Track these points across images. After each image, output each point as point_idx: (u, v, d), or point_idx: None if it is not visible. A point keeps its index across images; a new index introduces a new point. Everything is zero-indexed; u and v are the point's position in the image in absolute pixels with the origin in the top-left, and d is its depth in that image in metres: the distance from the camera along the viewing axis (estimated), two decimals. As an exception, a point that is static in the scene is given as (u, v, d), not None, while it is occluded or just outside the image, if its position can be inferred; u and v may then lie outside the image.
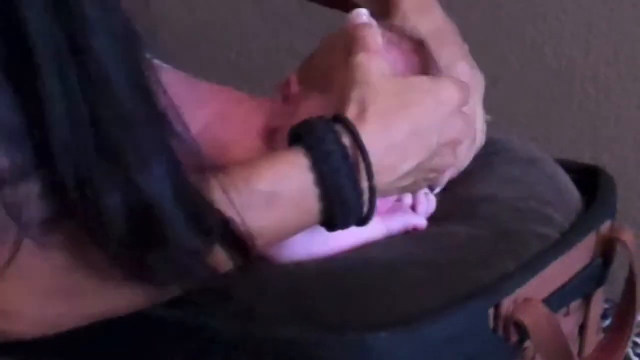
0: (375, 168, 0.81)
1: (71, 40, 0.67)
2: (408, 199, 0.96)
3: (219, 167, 0.79)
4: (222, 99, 0.97)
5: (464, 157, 0.97)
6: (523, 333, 0.86)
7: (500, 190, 0.99)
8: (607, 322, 1.06)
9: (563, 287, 0.91)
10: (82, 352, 0.83)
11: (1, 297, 0.75)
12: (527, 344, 0.88)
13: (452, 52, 0.96)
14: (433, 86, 0.87)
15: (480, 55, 1.03)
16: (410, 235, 0.94)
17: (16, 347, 0.79)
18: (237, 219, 0.76)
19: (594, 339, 0.99)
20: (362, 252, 0.90)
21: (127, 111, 0.70)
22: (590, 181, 1.03)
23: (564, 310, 0.93)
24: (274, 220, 0.81)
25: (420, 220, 0.95)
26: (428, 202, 0.97)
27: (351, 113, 0.83)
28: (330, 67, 0.89)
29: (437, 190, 0.99)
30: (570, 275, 0.92)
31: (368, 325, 0.81)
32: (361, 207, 0.82)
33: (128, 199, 0.71)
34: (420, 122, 0.85)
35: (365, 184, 0.81)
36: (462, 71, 0.94)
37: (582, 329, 0.98)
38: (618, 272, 0.99)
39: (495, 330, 0.85)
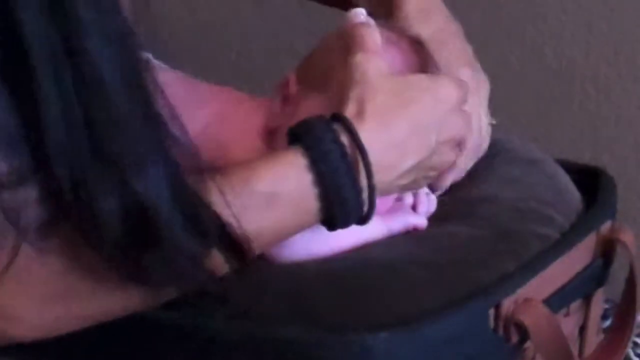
0: (374, 166, 0.81)
1: (66, 42, 0.67)
2: (409, 199, 0.96)
3: (217, 169, 0.79)
4: (222, 99, 0.97)
5: (469, 160, 0.98)
6: (523, 333, 0.86)
7: (501, 190, 0.99)
8: (607, 323, 1.06)
9: (563, 287, 0.91)
10: (81, 353, 0.82)
11: (0, 301, 0.75)
12: (527, 344, 0.88)
13: (453, 56, 0.96)
14: (431, 84, 0.87)
15: (480, 55, 1.03)
16: (410, 235, 0.94)
17: (14, 349, 0.79)
18: (233, 222, 0.76)
19: (594, 339, 0.99)
20: (362, 252, 0.90)
21: (122, 114, 0.70)
22: (591, 181, 1.03)
23: (564, 311, 0.93)
24: (274, 221, 0.81)
25: (420, 220, 0.95)
26: (429, 202, 0.97)
27: (349, 112, 0.83)
28: (328, 67, 0.89)
29: (439, 192, 0.99)
30: (571, 276, 0.92)
31: (368, 325, 0.81)
32: (361, 206, 0.82)
33: (123, 201, 0.70)
34: (419, 120, 0.85)
35: (364, 183, 0.81)
36: (464, 76, 0.94)
37: (582, 329, 0.98)
38: (618, 273, 0.99)
39: (495, 330, 0.85)
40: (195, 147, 0.75)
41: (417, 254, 0.90)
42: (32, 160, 0.69)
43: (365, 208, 0.82)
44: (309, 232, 0.85)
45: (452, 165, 0.96)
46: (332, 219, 0.82)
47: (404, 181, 0.85)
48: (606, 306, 1.05)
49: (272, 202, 0.80)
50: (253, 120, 0.93)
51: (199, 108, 0.94)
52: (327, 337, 0.81)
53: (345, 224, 0.83)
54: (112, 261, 0.74)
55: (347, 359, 0.80)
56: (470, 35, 1.03)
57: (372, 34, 0.88)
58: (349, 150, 0.81)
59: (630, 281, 0.97)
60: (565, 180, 1.03)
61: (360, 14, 0.91)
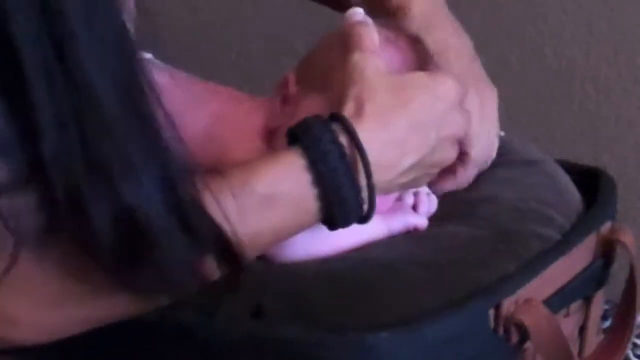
0: (374, 165, 0.81)
1: (58, 51, 0.67)
2: (409, 199, 0.96)
3: (216, 170, 0.79)
4: (222, 98, 0.97)
5: (471, 172, 0.99)
6: (523, 334, 0.86)
7: (501, 190, 0.99)
8: (607, 323, 1.06)
9: (563, 287, 0.91)
10: (81, 353, 0.82)
11: (2, 307, 0.75)
12: (527, 344, 0.88)
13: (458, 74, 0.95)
14: (430, 82, 0.87)
15: (481, 55, 1.03)
16: (410, 235, 0.94)
17: (14, 348, 0.79)
18: (227, 228, 0.76)
19: (593, 339, 0.99)
20: (362, 252, 0.90)
21: (114, 122, 0.69)
22: (591, 182, 1.03)
23: (564, 311, 0.93)
24: (274, 221, 0.81)
25: (421, 220, 0.95)
26: (429, 202, 0.97)
27: (348, 111, 0.83)
28: (327, 66, 0.89)
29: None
30: (571, 276, 0.92)
31: (368, 325, 0.81)
32: (360, 205, 0.82)
33: (115, 209, 0.70)
34: (418, 118, 0.85)
35: (363, 182, 0.81)
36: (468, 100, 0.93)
37: (582, 329, 0.98)
38: (618, 273, 0.99)
39: (495, 330, 0.85)
40: (191, 154, 0.75)
41: (418, 254, 0.90)
42: (28, 167, 0.69)
43: (366, 207, 0.82)
44: (309, 232, 0.85)
45: (453, 171, 0.97)
46: (332, 219, 0.82)
47: (404, 179, 0.85)
48: (606, 307, 1.06)
49: (271, 203, 0.80)
50: (253, 120, 0.93)
51: (199, 108, 0.94)
52: (327, 337, 0.81)
53: (345, 224, 0.83)
54: (106, 268, 0.74)
55: (347, 359, 0.80)
56: (470, 35, 1.03)
57: (370, 33, 0.88)
58: (347, 150, 0.81)
59: (630, 282, 0.97)
60: (566, 181, 1.03)
61: (358, 13, 0.91)
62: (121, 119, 0.70)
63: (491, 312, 0.85)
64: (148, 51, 0.96)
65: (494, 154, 1.01)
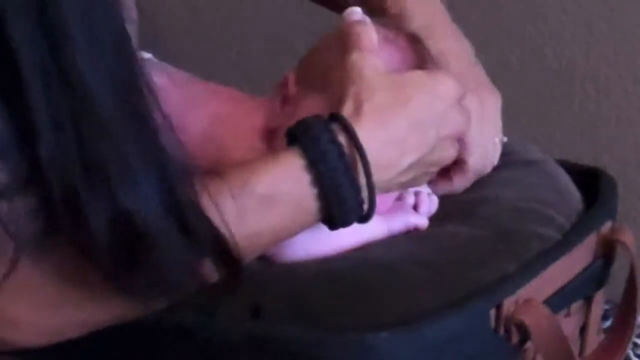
0: (373, 165, 0.81)
1: (55, 55, 0.67)
2: (410, 199, 0.96)
3: (214, 172, 0.79)
4: (222, 98, 0.97)
5: (469, 180, 0.99)
6: (524, 333, 0.86)
7: (501, 190, 0.99)
8: (608, 323, 1.06)
9: (563, 287, 0.91)
10: (81, 353, 0.82)
11: (2, 309, 0.75)
12: (528, 344, 0.88)
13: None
14: (429, 80, 0.86)
15: (480, 55, 1.03)
16: (411, 234, 0.94)
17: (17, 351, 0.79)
18: (225, 231, 0.76)
19: (594, 339, 0.99)
20: (362, 252, 0.90)
21: (111, 123, 0.69)
22: (591, 182, 1.03)
23: (564, 311, 0.93)
24: (274, 221, 0.81)
25: (421, 220, 0.95)
26: (430, 202, 0.97)
27: (347, 111, 0.83)
28: (326, 66, 0.89)
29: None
30: (571, 276, 0.92)
31: (368, 325, 0.81)
32: (360, 205, 0.82)
33: (113, 213, 0.70)
34: (417, 117, 0.84)
35: (363, 181, 0.81)
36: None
37: (583, 329, 0.98)
38: (618, 273, 0.99)
39: (496, 330, 0.85)
40: (189, 155, 0.75)
41: (418, 254, 0.90)
42: (26, 169, 0.69)
43: (366, 207, 0.82)
44: (309, 232, 0.85)
45: (450, 177, 0.97)
46: (332, 219, 0.82)
47: (404, 178, 0.85)
48: (606, 307, 1.06)
49: (271, 203, 0.80)
50: (253, 121, 0.93)
51: (199, 108, 0.94)
52: (327, 337, 0.81)
53: (345, 223, 0.83)
54: (104, 270, 0.74)
55: (347, 359, 0.80)
56: (470, 35, 1.02)
57: (368, 32, 0.88)
58: (346, 149, 0.81)
59: (630, 281, 0.97)
60: (566, 181, 1.03)
61: (356, 12, 0.91)
62: (118, 120, 0.70)
63: (492, 312, 0.85)
64: (148, 51, 0.96)
65: (495, 160, 1.01)
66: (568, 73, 1.62)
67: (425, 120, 0.85)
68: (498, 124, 1.00)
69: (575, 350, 0.95)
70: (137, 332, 0.82)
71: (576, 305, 0.95)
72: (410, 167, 0.85)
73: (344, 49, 0.87)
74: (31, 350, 0.79)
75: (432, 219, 0.96)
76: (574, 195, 1.01)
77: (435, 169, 0.89)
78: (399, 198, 0.96)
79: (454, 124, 0.87)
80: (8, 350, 0.78)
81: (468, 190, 1.00)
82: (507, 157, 1.03)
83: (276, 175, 0.80)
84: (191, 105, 0.94)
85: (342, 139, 0.81)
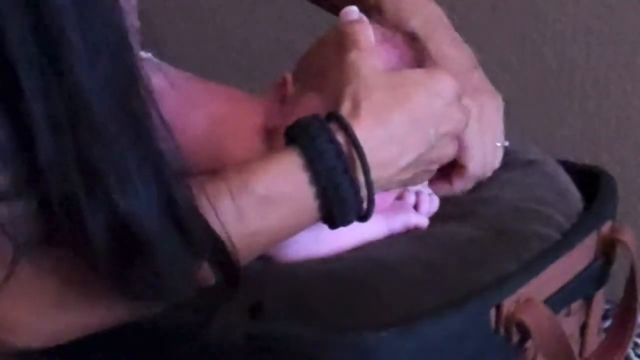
0: (372, 163, 0.81)
1: (53, 61, 0.67)
2: (411, 198, 0.96)
3: (213, 172, 0.79)
4: (222, 99, 0.97)
5: (467, 185, 0.99)
6: (524, 333, 0.86)
7: (501, 190, 0.99)
8: (608, 323, 1.06)
9: (564, 287, 0.91)
10: (81, 353, 0.82)
11: (2, 312, 0.76)
12: (528, 344, 0.88)
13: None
14: (427, 78, 0.86)
15: (480, 55, 1.03)
16: (411, 234, 0.94)
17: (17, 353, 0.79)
18: (223, 234, 0.76)
19: (594, 339, 0.99)
20: (362, 251, 0.90)
21: (109, 128, 0.69)
22: (591, 182, 1.03)
23: (565, 311, 0.93)
24: (274, 221, 0.81)
25: (422, 220, 0.95)
26: (431, 202, 0.97)
27: (345, 110, 0.83)
28: (324, 66, 0.89)
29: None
30: (571, 276, 0.92)
31: (368, 325, 0.81)
32: (360, 203, 0.82)
33: (111, 218, 0.70)
34: (416, 115, 0.84)
35: (362, 180, 0.81)
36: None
37: (583, 329, 0.98)
38: (618, 273, 0.99)
39: (496, 330, 0.85)
40: (187, 158, 0.75)
41: (418, 254, 0.90)
42: (25, 173, 0.69)
43: (365, 205, 0.82)
44: (310, 232, 0.85)
45: (450, 181, 0.97)
46: (331, 217, 0.82)
47: (404, 176, 0.85)
48: (607, 306, 1.06)
49: (270, 203, 0.80)
50: (253, 121, 0.93)
51: (199, 108, 0.94)
52: (327, 337, 0.81)
53: (345, 222, 0.83)
54: (102, 274, 0.74)
55: (347, 359, 0.80)
56: (470, 35, 1.02)
57: (366, 31, 0.88)
58: (344, 148, 0.81)
59: (630, 281, 0.97)
60: (566, 181, 1.03)
61: (353, 12, 0.91)
62: (116, 125, 0.70)
63: (492, 311, 0.85)
64: (148, 51, 0.96)
65: (496, 164, 1.01)
66: (568, 73, 1.62)
67: (424, 118, 0.85)
68: (499, 128, 1.00)
69: (576, 349, 0.95)
70: (137, 333, 0.82)
71: (576, 305, 0.95)
72: (410, 165, 0.85)
73: (341, 49, 0.87)
74: (32, 351, 0.79)
75: (433, 218, 0.96)
76: (574, 195, 1.01)
77: (435, 167, 0.89)
78: (400, 197, 0.96)
79: (453, 122, 0.87)
80: (8, 352, 0.78)
81: (468, 190, 1.00)
82: (507, 157, 1.03)
83: (275, 175, 0.81)
84: (191, 105, 0.94)
85: (340, 138, 0.81)
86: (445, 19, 1.02)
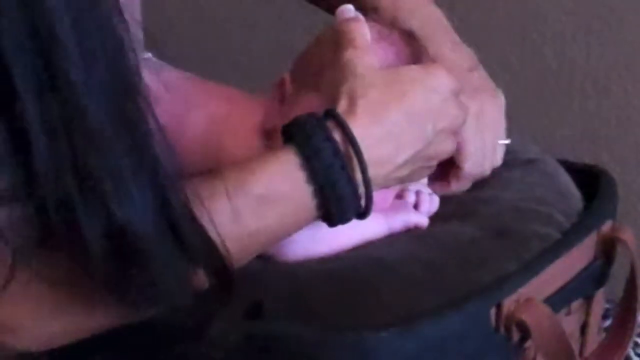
0: (369, 160, 0.81)
1: (49, 68, 0.67)
2: (411, 198, 0.96)
3: (211, 173, 0.79)
4: (222, 98, 0.97)
5: (464, 184, 0.99)
6: (524, 332, 0.86)
7: (501, 190, 0.99)
8: (608, 322, 1.06)
9: (564, 286, 0.91)
10: (81, 353, 0.82)
11: (2, 315, 0.76)
12: (529, 343, 0.88)
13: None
14: (424, 74, 0.86)
15: (481, 55, 1.03)
16: (411, 234, 0.94)
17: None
18: (217, 240, 0.76)
19: (595, 338, 0.99)
20: (362, 251, 0.90)
21: (105, 140, 0.69)
22: (591, 181, 1.03)
23: (565, 310, 0.93)
24: (272, 220, 0.81)
25: (422, 219, 0.95)
26: (431, 202, 0.97)
27: (341, 108, 0.83)
28: (320, 65, 0.89)
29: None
30: (571, 275, 0.92)
31: (368, 325, 0.81)
32: (358, 201, 0.82)
33: (106, 225, 0.70)
34: (413, 112, 0.84)
35: (359, 177, 0.81)
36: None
37: (583, 328, 0.98)
38: (619, 272, 0.99)
39: (496, 329, 0.85)
40: (183, 165, 0.75)
41: (418, 254, 0.90)
42: (22, 179, 0.69)
43: (363, 202, 0.82)
44: (310, 231, 0.85)
45: (447, 181, 0.97)
46: (330, 215, 0.82)
47: (402, 173, 0.85)
48: (607, 306, 1.06)
49: (268, 203, 0.80)
50: (253, 120, 0.93)
51: (199, 108, 0.94)
52: (327, 337, 0.81)
53: (344, 220, 0.83)
54: (98, 279, 0.74)
55: (347, 359, 0.80)
56: (470, 35, 1.02)
57: (361, 29, 0.88)
58: (341, 146, 0.81)
59: (630, 281, 0.97)
60: (566, 180, 1.03)
61: (349, 10, 0.91)
62: (111, 131, 0.69)
63: (492, 311, 0.85)
64: (148, 51, 0.96)
65: (498, 162, 1.01)
66: (568, 73, 1.62)
67: (421, 114, 0.85)
68: (500, 126, 1.00)
69: (576, 349, 0.95)
70: (137, 333, 0.82)
71: (576, 304, 0.95)
72: (407, 161, 0.85)
73: (337, 47, 0.87)
74: (32, 353, 0.79)
75: (433, 218, 0.96)
76: (574, 194, 1.01)
77: (433, 163, 0.89)
78: (400, 197, 0.96)
79: (450, 117, 0.87)
80: (9, 353, 0.79)
81: (468, 189, 1.00)
82: (508, 156, 1.03)
83: (272, 173, 0.81)
84: (191, 105, 0.94)
85: (336, 135, 0.81)
86: (444, 21, 1.02)
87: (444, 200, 0.98)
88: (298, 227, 0.83)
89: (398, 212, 0.94)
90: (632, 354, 1.13)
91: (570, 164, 1.06)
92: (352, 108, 0.82)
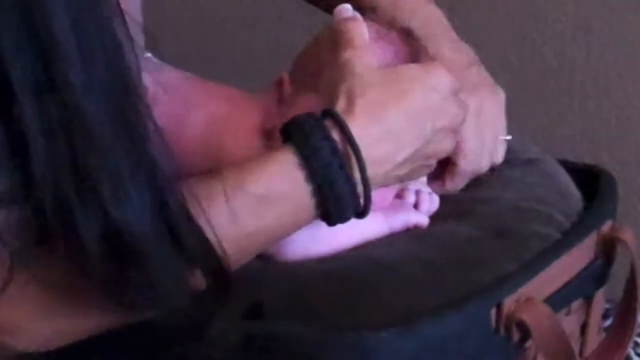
0: (368, 159, 0.81)
1: (47, 71, 0.67)
2: (411, 197, 0.96)
3: (209, 174, 0.79)
4: (221, 98, 0.97)
5: (461, 181, 0.99)
6: (525, 332, 0.86)
7: (501, 190, 0.99)
8: (608, 322, 1.06)
9: (564, 286, 0.91)
10: (80, 352, 0.82)
11: (1, 316, 0.76)
12: (529, 343, 0.88)
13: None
14: (422, 73, 0.86)
15: (481, 55, 1.03)
16: (411, 233, 0.94)
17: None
18: (214, 241, 0.76)
19: (595, 338, 0.99)
20: (362, 251, 0.90)
21: (102, 135, 0.69)
22: (591, 181, 1.03)
23: (565, 310, 0.93)
24: (271, 220, 0.81)
25: (422, 218, 0.95)
26: (431, 201, 0.97)
27: (340, 107, 0.83)
28: (319, 65, 0.89)
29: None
30: (571, 275, 0.92)
31: (368, 325, 0.81)
32: (357, 200, 0.82)
33: (104, 227, 0.70)
34: (411, 110, 0.84)
35: (357, 176, 0.81)
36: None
37: (584, 328, 0.97)
38: (619, 272, 0.99)
39: (496, 329, 0.85)
40: (181, 166, 0.75)
41: (418, 254, 0.90)
42: (20, 180, 0.69)
43: (362, 201, 0.82)
44: (309, 231, 0.85)
45: (442, 179, 0.97)
46: (329, 215, 0.82)
47: (400, 172, 0.85)
48: (607, 305, 1.06)
49: (267, 202, 0.80)
50: (253, 120, 0.94)
51: (199, 108, 0.94)
52: (327, 337, 0.81)
53: (342, 219, 0.83)
54: (96, 281, 0.74)
55: (347, 358, 0.80)
56: (470, 35, 1.02)
57: (360, 29, 0.88)
58: (340, 145, 0.81)
59: (630, 280, 0.97)
60: (566, 180, 1.03)
61: (347, 9, 0.91)
62: (110, 133, 0.70)
63: (492, 311, 0.85)
64: (148, 51, 0.96)
65: (499, 158, 1.01)
66: (568, 73, 1.62)
67: (420, 113, 0.85)
68: (501, 123, 1.00)
69: (576, 349, 0.95)
70: (137, 333, 0.82)
71: (577, 304, 0.95)
72: (406, 160, 0.85)
73: (335, 47, 0.87)
74: (31, 354, 0.79)
75: (433, 217, 0.96)
76: (574, 194, 1.01)
77: (432, 161, 0.89)
78: (400, 196, 0.96)
79: (449, 116, 0.87)
80: (8, 354, 0.79)
81: (468, 189, 1.00)
82: (508, 156, 1.03)
83: (271, 173, 0.81)
84: (191, 105, 0.94)
85: (335, 135, 0.81)
86: (444, 20, 1.02)
87: (444, 200, 0.98)
88: (297, 226, 0.83)
89: (398, 211, 0.94)
90: (632, 353, 1.13)
91: (571, 164, 1.06)
92: (350, 107, 0.83)
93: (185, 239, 0.74)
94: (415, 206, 0.96)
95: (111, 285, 0.74)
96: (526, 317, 0.85)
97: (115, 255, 0.72)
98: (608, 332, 1.00)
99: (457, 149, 0.95)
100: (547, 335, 0.86)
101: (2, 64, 0.66)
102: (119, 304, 0.76)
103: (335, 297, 0.84)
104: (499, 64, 1.61)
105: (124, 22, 0.71)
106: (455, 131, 0.89)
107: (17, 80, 0.66)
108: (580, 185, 1.03)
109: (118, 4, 0.71)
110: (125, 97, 0.71)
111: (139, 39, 0.83)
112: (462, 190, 1.00)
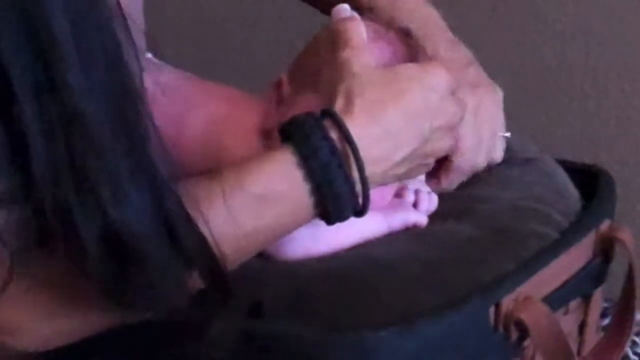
0: (366, 159, 0.81)
1: (47, 72, 0.67)
2: (410, 197, 0.97)
3: (209, 174, 0.79)
4: (221, 98, 0.97)
5: (458, 178, 0.99)
6: (523, 331, 0.86)
7: (500, 189, 0.99)
8: (606, 321, 1.06)
9: (562, 285, 0.91)
10: (80, 352, 0.82)
11: (2, 316, 0.76)
12: (527, 342, 0.88)
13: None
14: (420, 72, 0.87)
15: (481, 55, 1.03)
16: (410, 232, 0.94)
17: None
18: (212, 243, 0.76)
19: (593, 337, 0.99)
20: (362, 250, 0.90)
21: (103, 143, 0.69)
22: (590, 181, 1.03)
23: (563, 309, 0.93)
24: (270, 219, 0.81)
25: (421, 217, 0.95)
26: (430, 200, 0.97)
27: (338, 107, 0.83)
28: (317, 65, 0.89)
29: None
30: (570, 274, 0.92)
31: (368, 325, 0.81)
32: (355, 199, 0.82)
33: (103, 228, 0.71)
34: (409, 110, 0.85)
35: (356, 176, 0.81)
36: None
37: (582, 327, 0.98)
38: (617, 271, 0.99)
39: (495, 328, 0.85)
40: (180, 167, 0.75)
41: (417, 253, 0.90)
42: (20, 181, 0.69)
43: (361, 200, 0.82)
44: (309, 230, 0.85)
45: (437, 177, 0.97)
46: (327, 214, 0.82)
47: (398, 171, 0.85)
48: (605, 305, 1.06)
49: (266, 202, 0.80)
50: (253, 120, 0.94)
51: (199, 108, 0.94)
52: (327, 337, 0.81)
53: (341, 218, 0.83)
54: (95, 281, 0.74)
55: (347, 358, 0.80)
56: (470, 35, 1.03)
57: (358, 29, 0.88)
58: (338, 144, 0.81)
59: (628, 280, 0.97)
60: (564, 180, 1.03)
61: (345, 9, 0.91)
62: (109, 134, 0.70)
63: (491, 310, 0.85)
64: (148, 51, 0.96)
65: (498, 155, 1.01)
66: (568, 73, 1.62)
67: (418, 113, 0.85)
68: (499, 120, 1.01)
69: (574, 347, 0.95)
70: (137, 333, 0.82)
71: (575, 303, 0.95)
72: (404, 159, 0.85)
73: (334, 47, 0.87)
74: (31, 354, 0.79)
75: (432, 217, 0.96)
76: (573, 194, 1.01)
77: (430, 160, 0.89)
78: (399, 195, 0.96)
79: (448, 115, 0.87)
80: (8, 354, 0.79)
81: (467, 188, 1.00)
82: (506, 155, 1.03)
83: (270, 173, 0.81)
84: (191, 105, 0.94)
85: (333, 134, 0.81)
86: (441, 21, 1.02)
87: (443, 199, 0.98)
88: (296, 225, 0.83)
89: (397, 210, 0.94)
90: (630, 352, 1.14)
91: (569, 164, 1.06)
92: (349, 107, 0.83)
93: (185, 239, 0.74)
94: (415, 205, 0.96)
95: (111, 285, 0.74)
96: (524, 316, 0.85)
97: (114, 256, 0.72)
98: (606, 331, 1.00)
99: (456, 147, 0.95)
100: (545, 334, 0.86)
101: (2, 64, 0.66)
102: (119, 304, 0.76)
103: (335, 296, 0.84)
104: (499, 64, 1.60)
105: (125, 23, 0.71)
106: (453, 130, 0.89)
107: (16, 80, 0.67)
108: (579, 184, 1.03)
109: (118, 5, 0.71)
110: (125, 97, 0.71)
111: (140, 40, 0.83)
112: (461, 189, 1.00)
